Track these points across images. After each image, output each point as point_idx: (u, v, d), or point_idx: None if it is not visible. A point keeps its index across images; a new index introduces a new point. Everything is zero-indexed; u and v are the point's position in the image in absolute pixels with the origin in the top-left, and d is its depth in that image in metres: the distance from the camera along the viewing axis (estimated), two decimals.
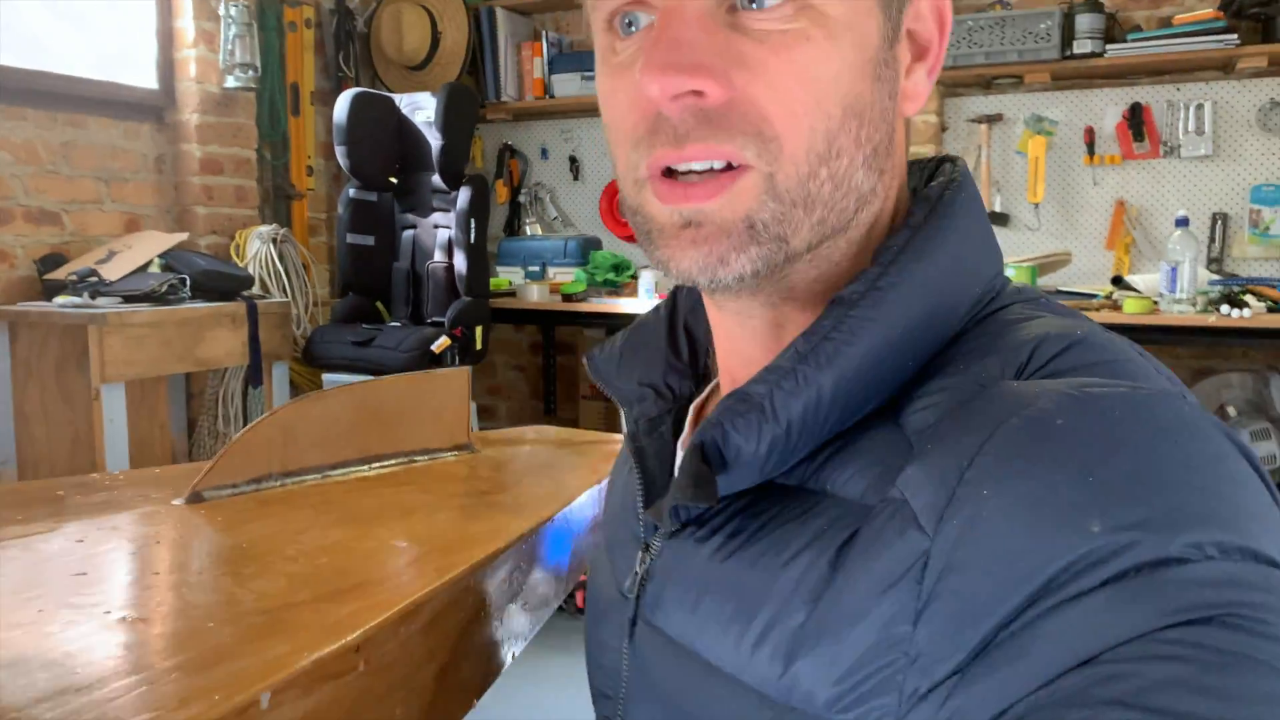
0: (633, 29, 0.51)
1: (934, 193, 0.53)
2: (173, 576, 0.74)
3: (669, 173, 0.50)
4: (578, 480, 1.11)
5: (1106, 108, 3.17)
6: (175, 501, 0.92)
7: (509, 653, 0.86)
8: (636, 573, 0.58)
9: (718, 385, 0.63)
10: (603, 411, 3.88)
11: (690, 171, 0.49)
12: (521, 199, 4.00)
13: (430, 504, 0.97)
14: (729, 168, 0.48)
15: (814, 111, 0.48)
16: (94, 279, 2.64)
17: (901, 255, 0.50)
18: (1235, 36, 2.83)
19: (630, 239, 3.80)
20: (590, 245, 3.67)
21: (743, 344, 0.57)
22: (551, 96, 3.74)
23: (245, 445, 0.96)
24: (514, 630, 0.86)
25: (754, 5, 0.48)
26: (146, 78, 3.20)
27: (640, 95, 0.49)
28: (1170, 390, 0.44)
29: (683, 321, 0.67)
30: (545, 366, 4.01)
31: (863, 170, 0.51)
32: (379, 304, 3.33)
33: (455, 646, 0.77)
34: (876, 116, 0.51)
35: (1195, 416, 0.42)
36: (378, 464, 1.09)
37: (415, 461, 1.13)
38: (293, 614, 0.67)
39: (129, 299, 2.67)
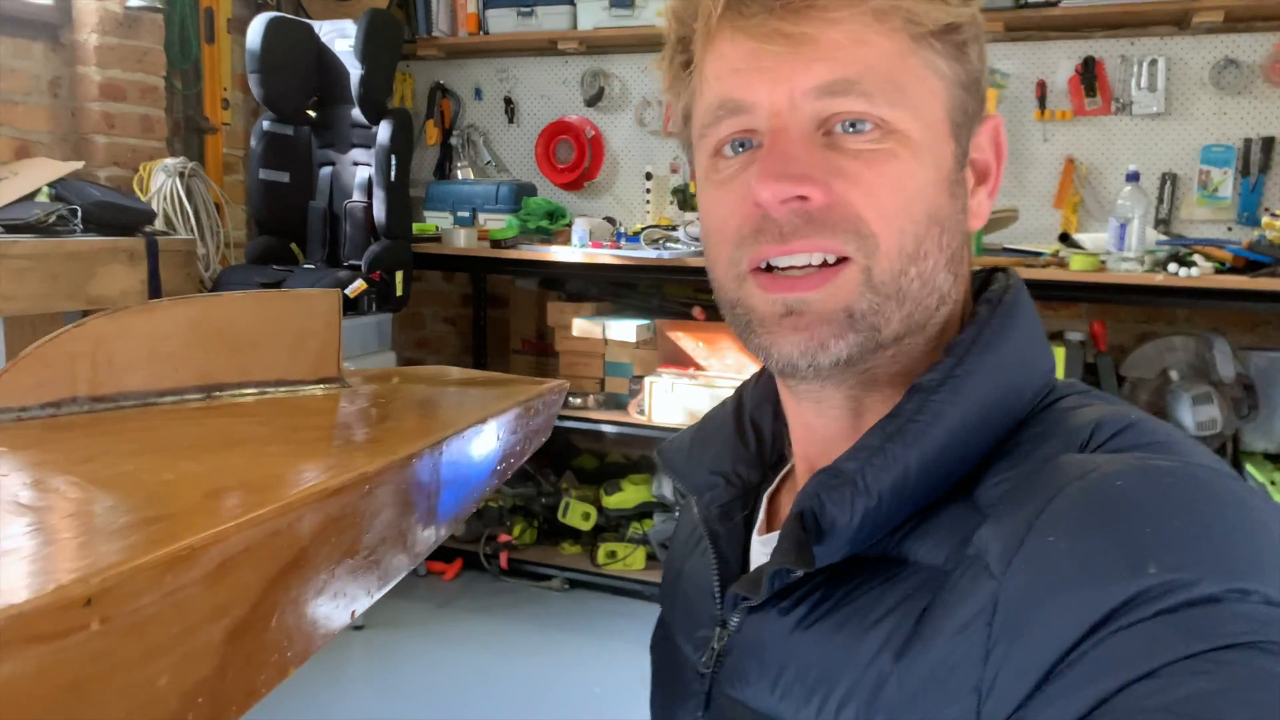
0: (741, 149, 0.58)
1: (995, 295, 0.60)
2: None
3: (768, 269, 0.56)
4: (460, 419, 0.96)
5: (1059, 61, 3.08)
6: None
7: (345, 610, 0.71)
8: (714, 648, 0.63)
9: (790, 473, 0.69)
10: (533, 366, 3.74)
11: (791, 268, 0.56)
12: (453, 141, 3.80)
13: (265, 437, 0.82)
14: (825, 265, 0.55)
15: (903, 215, 0.55)
16: None
17: (973, 348, 0.56)
18: None
19: (565, 186, 3.64)
20: (524, 191, 3.50)
21: (822, 430, 0.63)
22: (486, 33, 3.54)
23: (40, 360, 0.80)
24: (352, 584, 0.72)
25: (852, 129, 0.55)
26: None
27: (747, 201, 0.56)
28: (1218, 467, 0.48)
29: (749, 416, 0.73)
30: (476, 319, 3.84)
31: (944, 272, 0.57)
32: (293, 245, 3.13)
33: (259, 602, 0.62)
34: (953, 226, 0.58)
35: (1243, 489, 0.46)
36: (221, 393, 0.93)
37: (268, 394, 0.98)
38: (13, 559, 0.52)
39: (11, 229, 2.45)
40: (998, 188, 0.63)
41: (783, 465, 0.72)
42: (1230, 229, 2.96)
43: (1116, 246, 2.55)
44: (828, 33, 0.54)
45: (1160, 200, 2.98)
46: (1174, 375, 2.74)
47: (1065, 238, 2.82)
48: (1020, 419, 0.56)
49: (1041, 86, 3.08)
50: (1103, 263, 2.59)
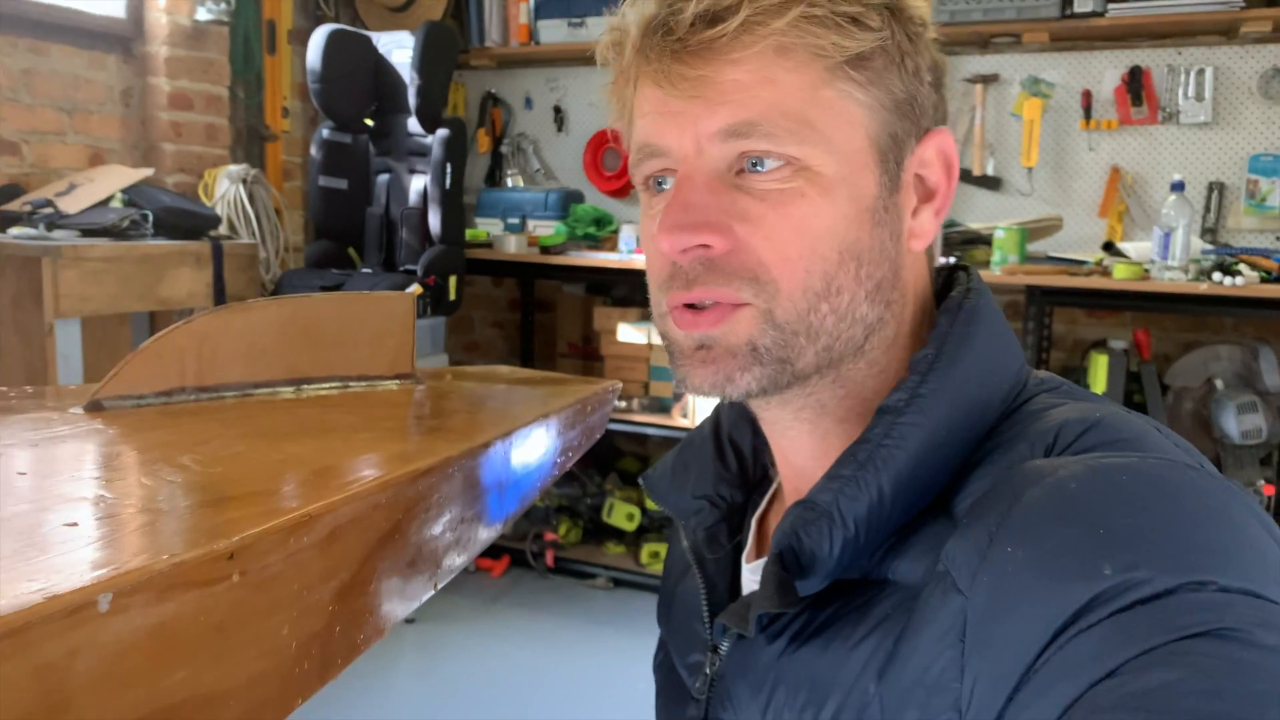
0: (662, 187, 0.60)
1: (954, 304, 0.59)
2: (38, 478, 0.66)
3: (690, 306, 0.58)
4: (526, 413, 1.03)
5: (1105, 70, 3.09)
6: (74, 410, 0.84)
7: (430, 581, 0.78)
8: (707, 674, 0.64)
9: (778, 492, 0.70)
10: (579, 370, 3.81)
11: (704, 305, 0.57)
12: (504, 149, 3.90)
13: (354, 425, 0.90)
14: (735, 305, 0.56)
15: (808, 256, 0.55)
16: (50, 210, 2.54)
17: (936, 363, 0.55)
18: None
19: (613, 193, 3.72)
20: (572, 198, 3.57)
21: (793, 455, 0.64)
22: (537, 43, 3.63)
23: (155, 353, 0.88)
24: (436, 558, 0.79)
25: (757, 169, 0.55)
26: (114, 5, 3.08)
27: (659, 249, 0.57)
28: (1177, 459, 0.48)
29: (727, 435, 0.73)
30: (523, 323, 3.92)
31: (866, 304, 0.57)
32: (351, 250, 3.24)
33: (361, 568, 0.69)
34: (876, 256, 0.57)
35: (1200, 478, 0.47)
36: (308, 386, 1.01)
37: (350, 387, 1.05)
38: (166, 518, 0.59)
39: (87, 233, 2.57)
40: (947, 205, 0.61)
41: (768, 484, 0.72)
42: (1279, 238, 2.96)
43: (1161, 255, 2.56)
44: (729, 74, 0.54)
45: (1207, 209, 2.99)
46: (1219, 384, 2.75)
47: (1109, 246, 2.83)
48: (991, 425, 0.56)
49: (1087, 96, 3.09)
50: (1146, 271, 2.60)
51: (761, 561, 0.64)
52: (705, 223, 0.55)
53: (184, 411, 0.86)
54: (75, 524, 0.54)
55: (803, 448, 0.63)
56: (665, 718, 0.71)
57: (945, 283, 0.64)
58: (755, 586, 0.60)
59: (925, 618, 0.49)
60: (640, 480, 0.76)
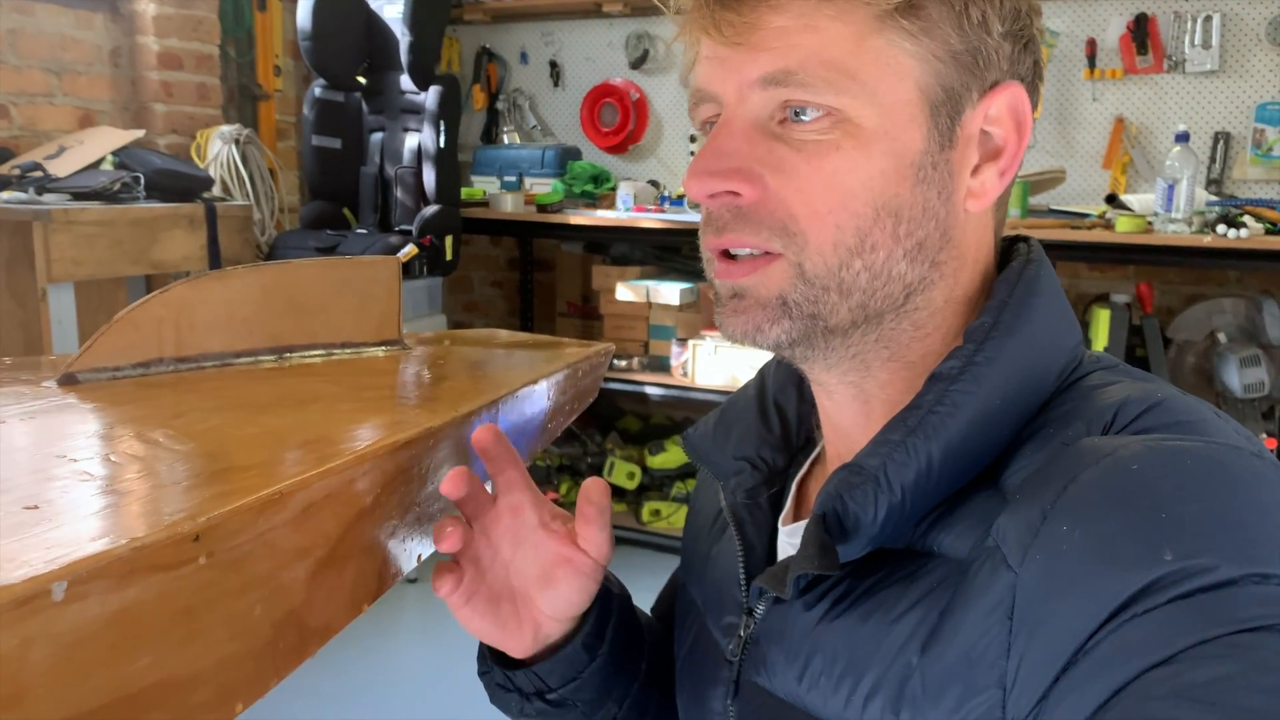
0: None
1: (1014, 274, 0.57)
2: (3, 455, 0.64)
3: (728, 255, 0.57)
4: (514, 380, 1.01)
5: (1110, 18, 3.03)
6: (47, 384, 0.82)
7: (412, 555, 0.77)
8: (741, 636, 0.63)
9: (820, 456, 0.69)
10: (579, 329, 3.79)
11: (740, 254, 0.57)
12: (499, 106, 3.84)
13: (335, 395, 0.88)
14: (767, 254, 0.55)
15: (838, 210, 0.54)
16: (39, 174, 2.51)
17: (994, 332, 0.54)
18: None
19: (610, 149, 3.67)
20: (569, 155, 3.53)
21: (836, 416, 0.63)
22: None
23: (131, 324, 0.86)
24: (419, 531, 0.78)
25: (798, 117, 0.54)
26: None
27: (687, 192, 0.56)
28: (1242, 445, 0.47)
29: (772, 398, 0.72)
30: (522, 283, 3.89)
31: (905, 262, 0.55)
32: (346, 210, 3.20)
33: (336, 545, 0.68)
34: (919, 214, 0.55)
35: (1266, 468, 0.45)
36: (291, 355, 0.99)
37: (334, 355, 1.04)
38: (133, 498, 0.58)
39: (78, 196, 2.54)
40: (1015, 165, 0.58)
41: (811, 447, 0.71)
42: None
43: (1164, 208, 2.52)
44: (772, 20, 0.53)
45: (1213, 160, 2.94)
46: (1222, 337, 2.72)
47: (1112, 199, 2.79)
48: (1045, 400, 0.55)
49: (1091, 45, 3.04)
50: (1149, 224, 2.57)
51: (798, 525, 0.64)
52: (735, 169, 0.55)
53: (162, 383, 0.84)
54: (35, 507, 0.52)
55: (847, 411, 0.62)
56: (692, 681, 0.70)
57: (1004, 253, 0.62)
58: (791, 550, 0.59)
59: (973, 593, 0.48)
60: (680, 439, 0.77)
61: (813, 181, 0.54)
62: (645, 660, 0.77)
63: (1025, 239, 0.62)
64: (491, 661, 0.72)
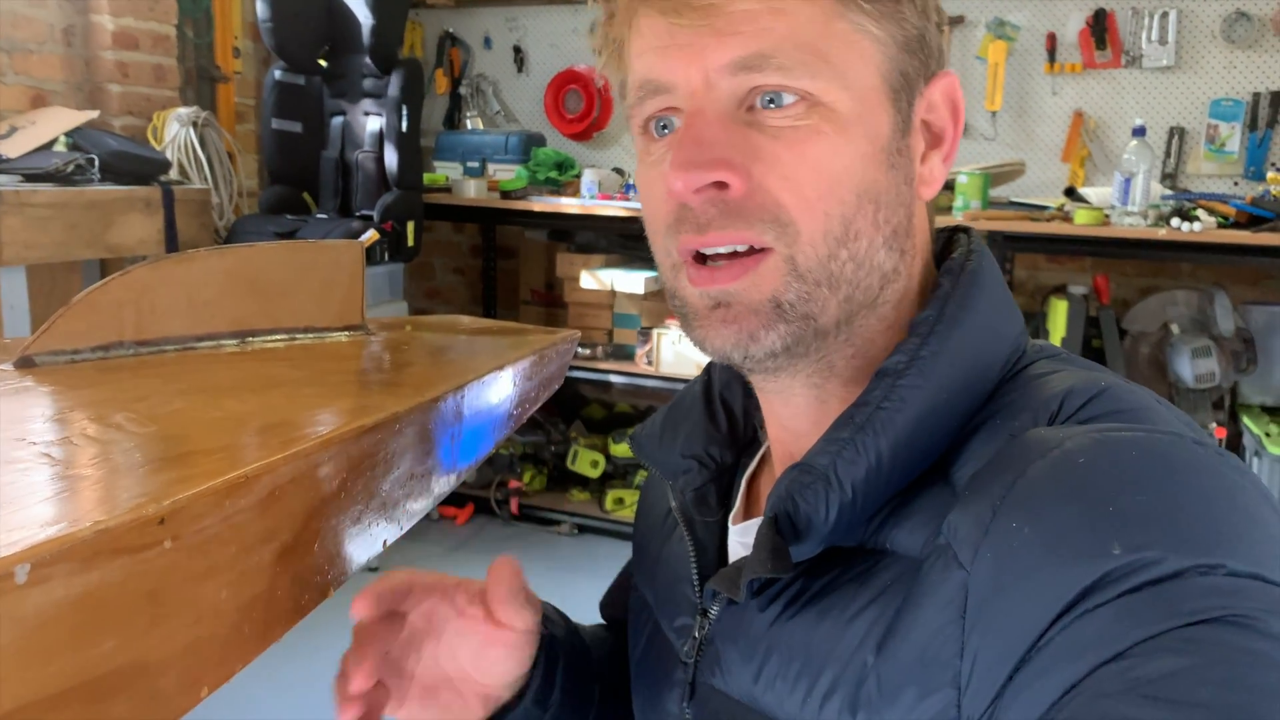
0: (666, 131, 0.56)
1: (956, 264, 0.57)
2: None
3: (700, 259, 0.54)
4: (480, 366, 1.01)
5: (1070, 12, 3.07)
6: (2, 366, 0.81)
7: (377, 541, 0.77)
8: (695, 638, 0.62)
9: (766, 454, 0.67)
10: (542, 317, 3.78)
11: (718, 256, 0.53)
12: (462, 91, 3.81)
13: (299, 379, 0.87)
14: (751, 251, 0.53)
15: (827, 198, 0.52)
16: None
17: (938, 325, 0.54)
18: None
19: (575, 136, 3.66)
20: (533, 142, 3.52)
21: (790, 421, 0.61)
22: None
23: (90, 306, 0.85)
24: (384, 517, 0.77)
25: (771, 105, 0.52)
26: None
27: (670, 189, 0.53)
28: (1184, 433, 0.47)
29: (718, 395, 0.70)
30: (485, 270, 3.87)
31: (883, 250, 0.55)
32: (306, 195, 3.16)
33: (302, 529, 0.67)
34: (893, 200, 0.55)
35: (1208, 456, 0.46)
36: (253, 339, 0.98)
37: (297, 340, 1.03)
38: (95, 481, 0.57)
39: (30, 178, 2.49)
40: (954, 151, 0.58)
41: (758, 444, 0.70)
42: (1237, 184, 2.98)
43: (1121, 201, 2.57)
44: (739, 3, 0.51)
45: (1168, 154, 3.00)
46: (1175, 329, 2.78)
47: (1071, 191, 2.84)
48: (991, 391, 0.55)
49: (1052, 39, 3.08)
50: (1107, 217, 2.61)
51: (748, 524, 0.63)
52: (722, 159, 0.52)
53: (122, 366, 0.83)
54: None
55: (802, 413, 0.60)
56: (647, 684, 0.69)
57: (945, 244, 0.61)
58: (743, 549, 0.59)
59: (925, 591, 0.48)
60: (628, 440, 0.75)
61: (798, 169, 0.52)
62: (599, 684, 0.77)
63: (965, 229, 0.61)
64: None
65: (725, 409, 0.70)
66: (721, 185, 0.52)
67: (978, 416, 0.53)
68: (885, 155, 0.54)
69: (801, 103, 0.52)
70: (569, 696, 0.71)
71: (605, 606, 0.90)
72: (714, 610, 0.61)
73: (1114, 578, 0.41)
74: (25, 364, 0.79)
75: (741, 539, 0.64)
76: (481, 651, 0.66)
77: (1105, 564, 0.41)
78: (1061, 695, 0.39)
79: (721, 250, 0.53)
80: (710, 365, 0.71)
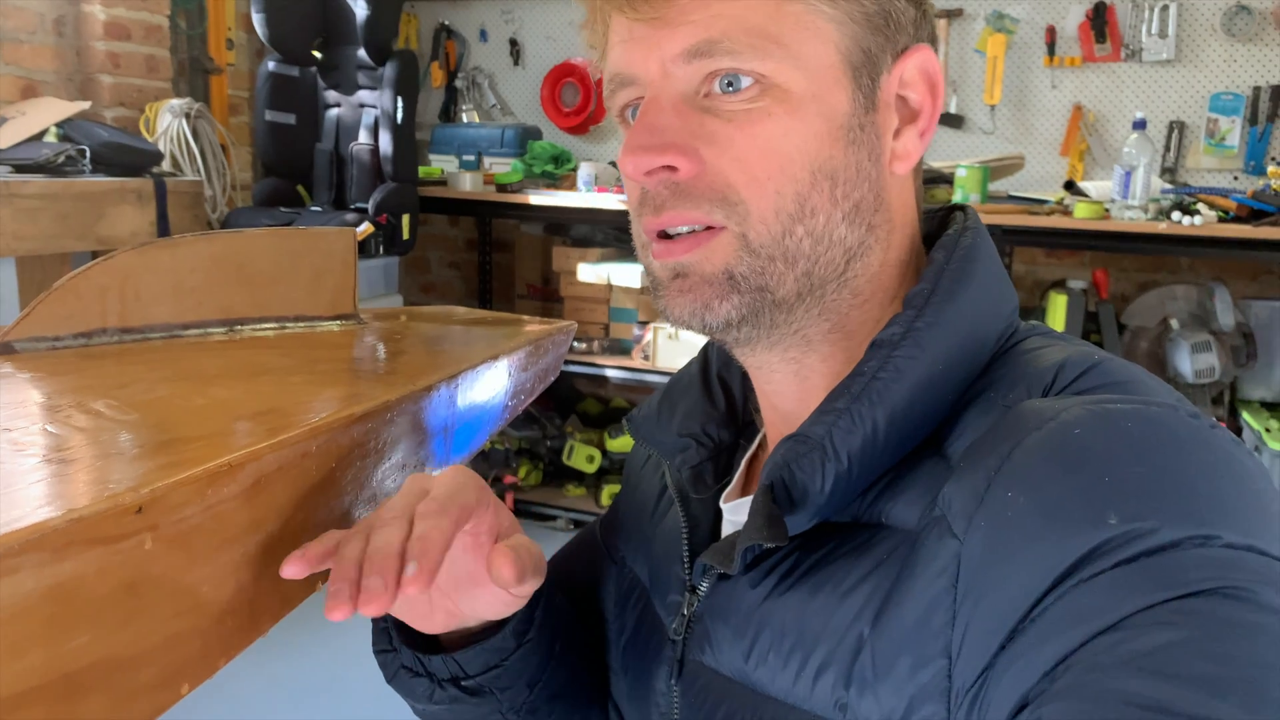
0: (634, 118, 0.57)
1: (951, 239, 0.58)
2: None
3: (665, 236, 0.57)
4: (474, 355, 0.99)
5: (1070, 6, 3.05)
6: None
7: None
8: (684, 615, 0.62)
9: (764, 440, 0.67)
10: (538, 311, 3.76)
11: (679, 234, 0.56)
12: (458, 84, 3.79)
13: (288, 367, 0.85)
14: (709, 229, 0.55)
15: (778, 177, 0.54)
16: None
17: (933, 298, 0.54)
18: None
19: (571, 130, 3.64)
20: (529, 135, 3.49)
21: (777, 400, 0.62)
22: None
23: (72, 292, 0.83)
24: (374, 508, 0.75)
25: (730, 89, 0.54)
26: None
27: (623, 172, 0.56)
28: (1178, 405, 0.47)
29: (716, 373, 0.71)
30: (481, 264, 3.85)
31: (844, 225, 0.55)
32: (300, 187, 3.14)
33: (290, 519, 0.65)
34: (854, 176, 0.55)
35: (1204, 429, 0.46)
36: (242, 327, 0.96)
37: (287, 329, 1.00)
38: (73, 468, 0.55)
39: (20, 168, 2.46)
40: (933, 125, 0.59)
41: (756, 429, 0.70)
42: (1236, 178, 2.96)
43: (1121, 194, 2.55)
44: None
45: (1167, 148, 2.98)
46: (1174, 324, 2.77)
47: (1070, 185, 2.82)
48: (985, 364, 0.55)
49: (1051, 32, 3.06)
50: (1106, 211, 2.60)
51: (741, 501, 0.62)
52: (670, 144, 0.54)
53: (105, 354, 0.81)
54: None
55: (787, 390, 0.61)
56: (638, 657, 0.68)
57: (941, 222, 0.62)
58: (735, 527, 0.59)
59: (920, 563, 0.48)
60: (624, 421, 0.74)
61: (748, 150, 0.54)
62: (559, 640, 0.73)
63: (962, 207, 0.62)
64: (401, 642, 0.68)
65: (724, 389, 0.70)
66: (671, 168, 0.54)
67: (972, 390, 0.54)
68: (844, 132, 0.55)
69: (755, 85, 0.53)
70: (540, 641, 0.68)
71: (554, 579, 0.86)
72: (704, 586, 0.61)
73: (1109, 548, 0.41)
74: (4, 350, 0.77)
75: (734, 516, 0.64)
76: (472, 579, 0.62)
77: (1101, 534, 0.41)
78: (1054, 665, 0.39)
79: (682, 230, 0.56)
80: (708, 345, 0.72)
